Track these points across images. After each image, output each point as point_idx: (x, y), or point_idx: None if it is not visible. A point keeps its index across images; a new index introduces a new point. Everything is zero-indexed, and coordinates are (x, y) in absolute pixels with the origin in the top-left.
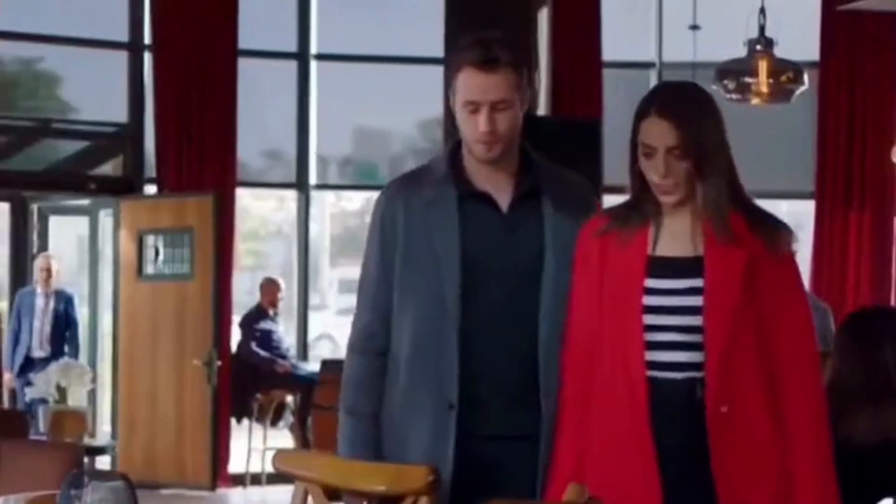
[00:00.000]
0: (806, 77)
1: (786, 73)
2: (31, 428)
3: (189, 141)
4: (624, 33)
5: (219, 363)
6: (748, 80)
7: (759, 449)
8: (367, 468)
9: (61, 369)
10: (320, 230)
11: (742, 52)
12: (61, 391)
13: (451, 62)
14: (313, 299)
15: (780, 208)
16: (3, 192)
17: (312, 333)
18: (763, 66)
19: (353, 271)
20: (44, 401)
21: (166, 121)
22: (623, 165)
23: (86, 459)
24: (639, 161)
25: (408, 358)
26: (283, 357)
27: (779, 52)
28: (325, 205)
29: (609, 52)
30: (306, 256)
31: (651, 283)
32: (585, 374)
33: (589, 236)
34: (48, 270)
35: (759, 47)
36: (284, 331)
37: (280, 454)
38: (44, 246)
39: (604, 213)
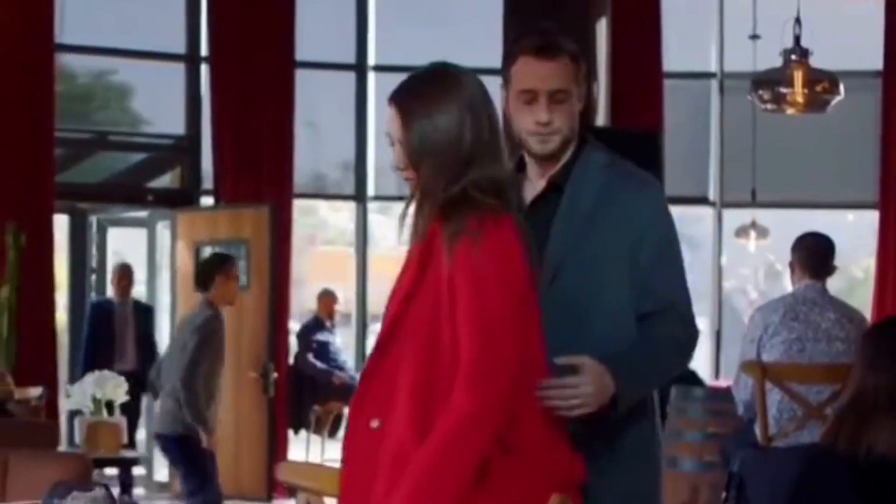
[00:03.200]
0: (842, 87)
1: (821, 83)
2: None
3: (246, 153)
4: (684, 43)
5: (275, 375)
6: (783, 90)
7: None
8: None
9: (96, 381)
10: (395, 240)
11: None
12: (97, 402)
13: (506, 55)
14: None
15: (847, 218)
16: (62, 203)
17: None
18: (798, 76)
19: None
20: (79, 412)
21: (223, 132)
22: (685, 176)
23: (143, 471)
24: None
25: None
26: (341, 368)
27: (839, 61)
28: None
29: (670, 62)
30: (364, 267)
31: None
32: None
33: None
34: (129, 279)
35: (794, 57)
36: (342, 342)
37: (283, 466)
38: (102, 258)
39: None
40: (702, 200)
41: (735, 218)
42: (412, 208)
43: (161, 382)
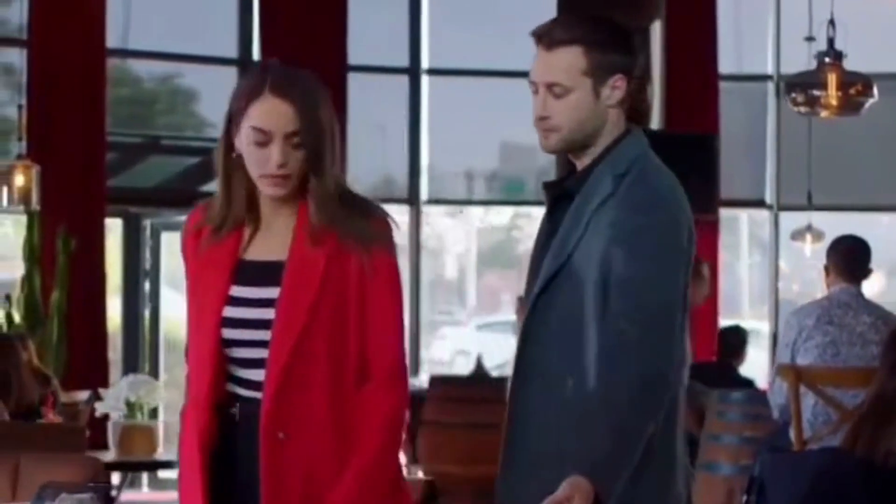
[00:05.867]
0: (875, 89)
1: (855, 85)
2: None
3: None
4: (741, 45)
5: None
6: (816, 92)
7: (317, 483)
8: None
9: (130, 384)
10: (466, 245)
11: (860, 65)
12: (130, 406)
13: None
14: (457, 315)
15: None
16: (115, 208)
17: (451, 349)
18: (832, 79)
19: (498, 286)
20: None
21: None
22: (742, 179)
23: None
24: (245, 150)
25: None
26: None
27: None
28: (473, 220)
29: (726, 64)
30: (417, 271)
31: (236, 290)
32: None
33: (187, 234)
34: None
35: (828, 60)
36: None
37: None
38: (156, 262)
39: (203, 203)
40: (759, 203)
41: (792, 221)
42: (311, 209)
43: None
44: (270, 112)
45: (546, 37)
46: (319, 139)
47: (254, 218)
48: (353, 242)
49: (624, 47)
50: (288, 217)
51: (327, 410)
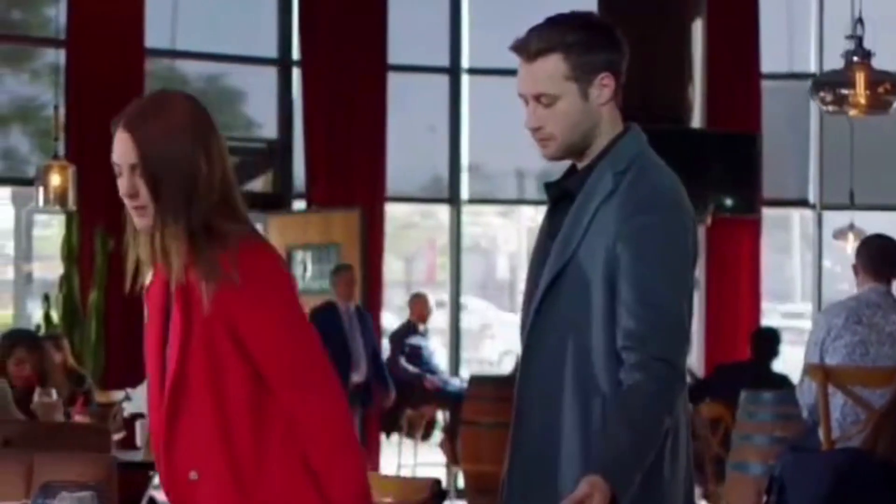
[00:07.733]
0: None
1: (883, 84)
2: None
3: (338, 156)
4: (783, 43)
5: None
6: (845, 91)
7: None
8: (377, 480)
9: None
10: (518, 245)
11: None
12: None
13: None
14: (508, 315)
15: None
16: None
17: (500, 349)
18: (860, 78)
19: None
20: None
21: (316, 136)
22: (785, 179)
23: None
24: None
25: None
26: (433, 372)
27: None
28: (524, 219)
29: (768, 62)
30: (458, 271)
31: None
32: None
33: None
34: (355, 283)
35: (856, 59)
36: (437, 344)
37: None
38: None
39: None
40: (802, 203)
41: (836, 220)
42: (155, 241)
43: None
44: (117, 144)
45: (524, 49)
46: (160, 171)
47: None
48: (200, 278)
49: (605, 44)
50: None
51: (222, 458)
